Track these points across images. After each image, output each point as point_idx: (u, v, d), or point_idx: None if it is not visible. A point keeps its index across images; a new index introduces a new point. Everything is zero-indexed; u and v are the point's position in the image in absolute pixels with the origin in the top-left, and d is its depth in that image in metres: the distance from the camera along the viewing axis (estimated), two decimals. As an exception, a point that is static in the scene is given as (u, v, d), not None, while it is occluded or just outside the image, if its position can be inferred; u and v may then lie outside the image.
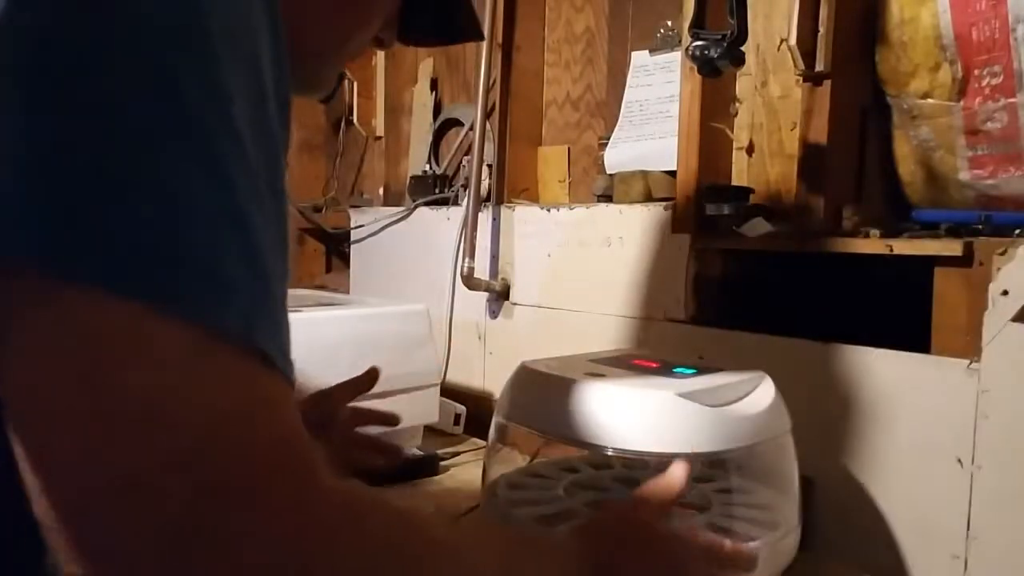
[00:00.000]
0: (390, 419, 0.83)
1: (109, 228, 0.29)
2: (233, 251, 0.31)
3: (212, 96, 0.31)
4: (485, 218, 1.40)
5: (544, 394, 0.75)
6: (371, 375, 0.80)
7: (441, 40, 0.67)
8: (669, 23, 1.20)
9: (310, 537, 0.31)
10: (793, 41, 0.89)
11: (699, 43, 0.89)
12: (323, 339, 1.07)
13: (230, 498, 0.29)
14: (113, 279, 0.29)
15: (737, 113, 1.07)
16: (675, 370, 0.79)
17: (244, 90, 0.32)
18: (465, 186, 1.47)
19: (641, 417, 0.70)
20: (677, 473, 0.62)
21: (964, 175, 0.88)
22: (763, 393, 0.76)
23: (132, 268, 0.29)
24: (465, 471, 1.13)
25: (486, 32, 1.39)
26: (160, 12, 0.30)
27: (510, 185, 1.41)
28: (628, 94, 1.25)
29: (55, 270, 0.28)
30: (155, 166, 0.29)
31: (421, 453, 1.12)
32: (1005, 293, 0.74)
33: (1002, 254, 0.75)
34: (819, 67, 0.90)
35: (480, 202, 1.41)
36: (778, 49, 1.01)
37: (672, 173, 1.10)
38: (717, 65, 0.88)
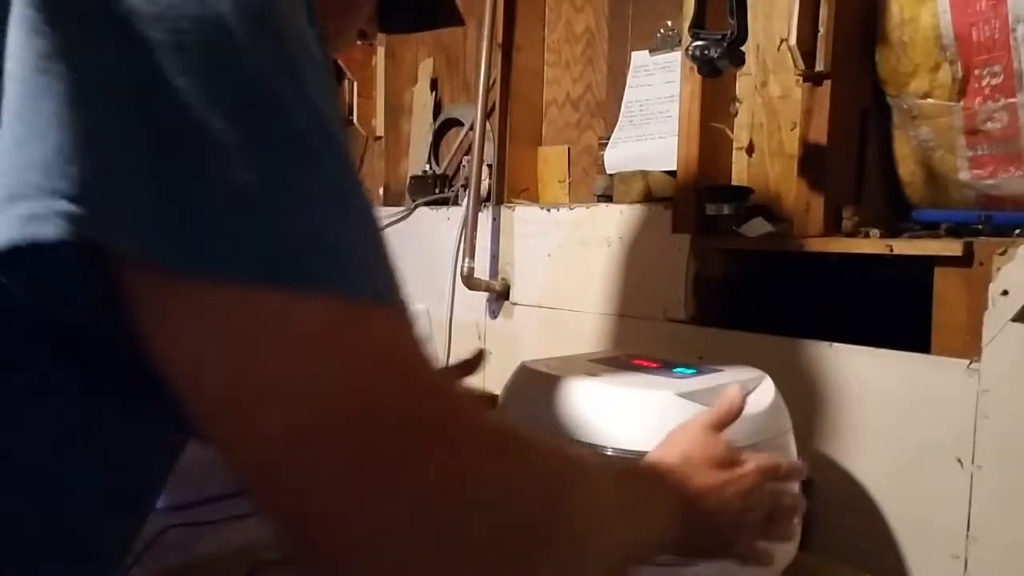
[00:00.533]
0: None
1: (247, 225, 0.32)
2: (351, 227, 0.34)
3: (311, 98, 0.34)
4: (485, 218, 1.40)
5: (544, 394, 0.75)
6: (479, 356, 0.80)
7: (420, 27, 0.69)
8: (669, 23, 1.20)
9: (467, 461, 0.35)
10: (793, 41, 0.89)
11: (699, 43, 0.89)
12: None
13: (400, 436, 0.33)
14: (264, 272, 0.32)
15: (737, 113, 1.07)
16: (675, 370, 0.79)
17: (321, 89, 0.36)
18: (465, 186, 1.47)
19: (641, 417, 0.70)
20: (734, 396, 0.64)
21: (964, 175, 0.88)
22: (763, 393, 0.76)
23: (280, 259, 0.32)
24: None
25: (486, 32, 1.39)
26: (257, 40, 0.33)
27: (510, 185, 1.40)
28: (628, 94, 1.25)
29: (215, 268, 0.31)
30: (279, 168, 0.33)
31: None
32: (1005, 293, 0.74)
33: (1002, 254, 0.75)
34: (819, 67, 0.90)
35: (480, 202, 1.41)
36: (778, 49, 1.01)
37: (672, 173, 1.10)
38: (717, 65, 0.88)
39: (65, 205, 0.29)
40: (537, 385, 0.78)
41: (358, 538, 0.33)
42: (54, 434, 0.36)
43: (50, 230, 0.28)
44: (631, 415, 0.70)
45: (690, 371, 0.79)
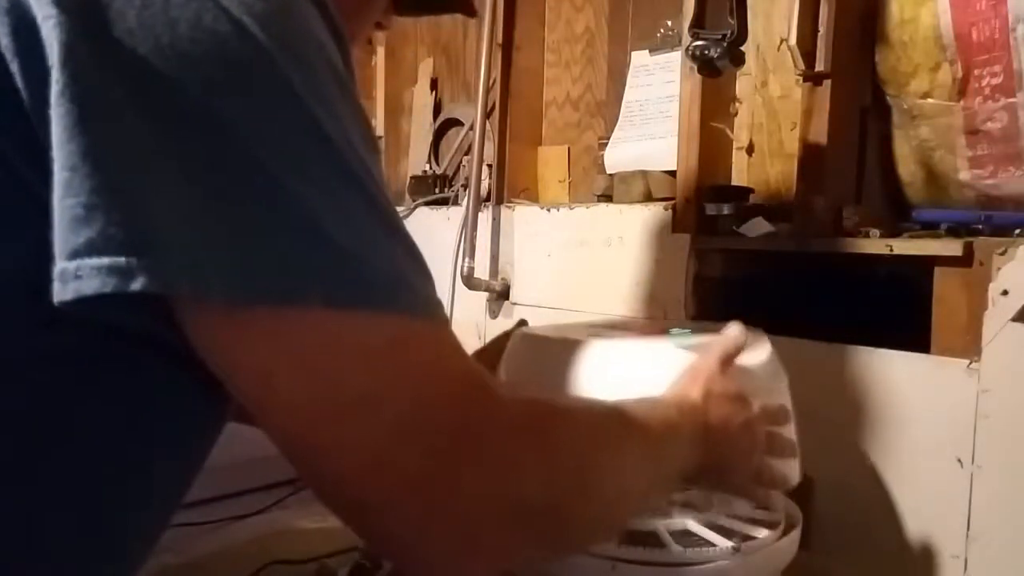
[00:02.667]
0: None
1: (319, 254, 0.36)
2: (400, 253, 0.39)
3: (348, 126, 0.38)
4: (485, 218, 1.40)
5: (545, 357, 0.74)
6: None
7: (434, 9, 0.74)
8: (669, 23, 1.20)
9: (513, 448, 0.41)
10: (793, 41, 0.89)
11: (699, 43, 0.89)
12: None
13: (458, 434, 0.38)
14: (337, 296, 0.36)
15: (737, 113, 1.07)
16: (671, 330, 0.79)
17: (354, 113, 0.40)
18: (465, 186, 1.47)
19: (642, 370, 0.69)
20: (737, 331, 0.68)
21: (964, 175, 0.88)
22: (760, 348, 0.77)
23: (351, 284, 0.36)
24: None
25: (486, 32, 1.39)
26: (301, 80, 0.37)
27: (510, 185, 1.40)
28: (628, 94, 1.25)
29: (289, 297, 0.35)
30: (336, 198, 0.37)
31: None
32: (1005, 293, 0.74)
33: (1002, 254, 0.75)
34: (819, 67, 0.90)
35: (480, 202, 1.41)
36: (778, 49, 1.01)
37: (672, 173, 1.10)
38: (717, 65, 0.88)
39: (134, 261, 0.32)
40: (537, 348, 0.77)
41: (432, 523, 0.38)
42: (128, 428, 0.40)
43: (113, 284, 0.32)
44: (633, 368, 0.70)
45: (686, 331, 0.79)
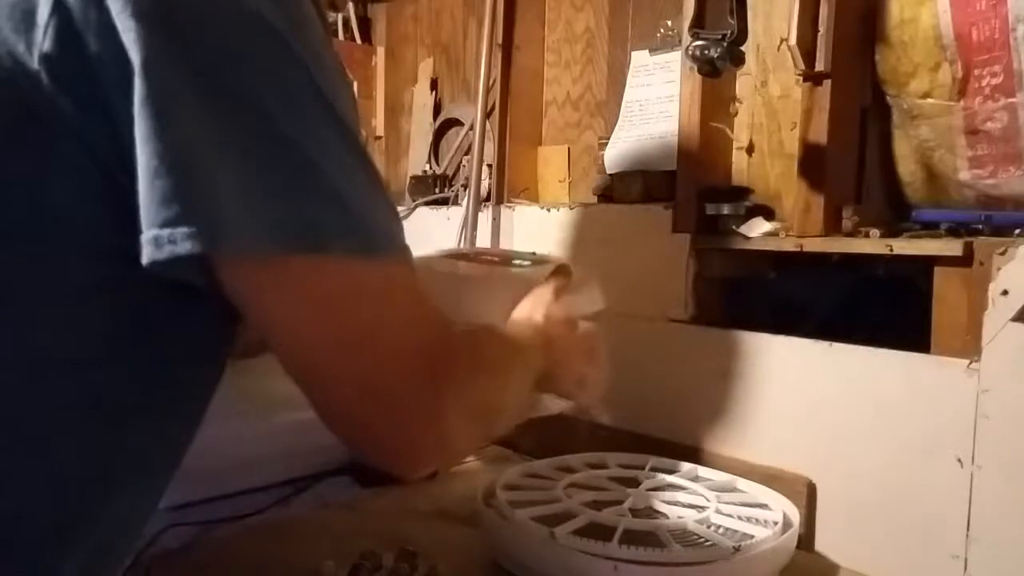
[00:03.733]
0: None
1: (336, 217, 0.45)
2: (387, 209, 0.50)
3: (352, 124, 0.48)
4: (485, 218, 1.40)
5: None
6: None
7: None
8: (669, 23, 1.20)
9: (467, 360, 0.55)
10: (793, 41, 0.89)
11: (699, 43, 0.89)
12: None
13: (432, 349, 0.50)
14: (354, 246, 0.46)
15: (737, 113, 1.07)
16: (513, 260, 0.93)
17: (343, 88, 0.50)
18: (465, 186, 1.47)
19: (489, 290, 0.87)
20: (565, 269, 0.86)
21: (964, 175, 0.88)
22: (589, 285, 0.92)
23: (363, 236, 0.46)
24: (465, 471, 1.13)
25: (486, 32, 1.39)
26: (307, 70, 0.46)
27: (510, 185, 1.41)
28: (628, 94, 1.25)
29: (308, 248, 0.44)
30: (347, 164, 0.47)
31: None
32: (1005, 293, 0.74)
33: (1002, 254, 0.75)
34: (819, 67, 0.90)
35: (480, 202, 1.41)
36: (778, 49, 1.01)
37: (672, 173, 1.10)
38: (717, 65, 0.88)
39: (210, 228, 0.42)
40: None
41: (418, 428, 0.50)
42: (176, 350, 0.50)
43: (185, 248, 0.41)
44: (483, 289, 0.86)
45: (525, 260, 0.92)
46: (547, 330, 0.76)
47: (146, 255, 0.42)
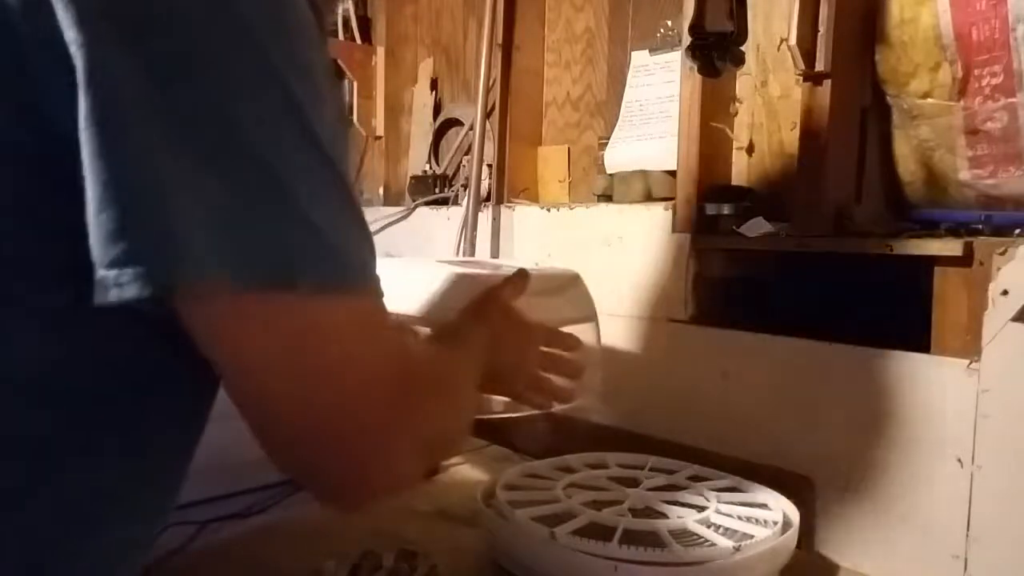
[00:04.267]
0: None
1: (308, 250, 0.41)
2: (361, 239, 0.46)
3: (328, 122, 0.43)
4: (485, 218, 1.40)
5: None
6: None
7: None
8: (669, 23, 1.20)
9: (431, 387, 0.53)
10: (793, 41, 0.89)
11: (699, 43, 0.89)
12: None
13: (402, 381, 0.48)
14: (319, 282, 0.42)
15: (737, 113, 1.07)
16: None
17: (332, 106, 0.45)
18: (465, 186, 1.47)
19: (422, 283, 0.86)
20: (523, 275, 0.81)
21: (964, 175, 0.88)
22: (578, 288, 0.94)
23: (339, 271, 0.43)
24: (465, 471, 1.13)
25: (486, 32, 1.39)
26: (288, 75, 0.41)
27: (510, 185, 1.41)
28: (628, 94, 1.25)
29: (263, 284, 0.40)
30: (322, 193, 0.42)
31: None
32: (1005, 293, 0.74)
33: (1002, 254, 0.75)
34: (819, 67, 0.90)
35: (480, 202, 1.41)
36: (778, 49, 1.01)
37: (672, 173, 1.10)
38: (717, 65, 0.89)
39: (163, 268, 0.37)
40: None
41: (376, 459, 0.47)
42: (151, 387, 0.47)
43: (132, 292, 0.37)
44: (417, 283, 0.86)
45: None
46: (495, 327, 0.72)
47: (96, 297, 0.38)
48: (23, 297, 0.41)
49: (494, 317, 0.74)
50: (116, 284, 0.37)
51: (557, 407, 0.83)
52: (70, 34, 0.37)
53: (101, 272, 0.37)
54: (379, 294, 0.47)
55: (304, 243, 0.41)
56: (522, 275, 0.81)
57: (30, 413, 0.42)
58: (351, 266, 0.44)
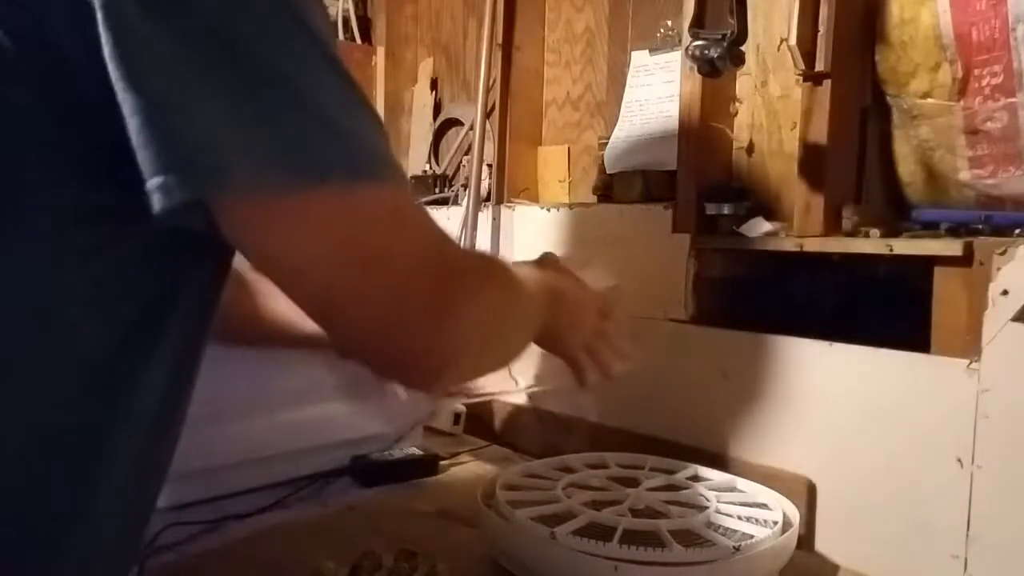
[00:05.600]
0: None
1: (334, 145, 0.44)
2: (378, 131, 0.48)
3: (330, 41, 0.46)
4: (485, 218, 1.40)
5: None
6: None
7: None
8: (669, 23, 1.20)
9: (466, 270, 0.55)
10: (793, 41, 0.89)
11: (699, 43, 0.89)
12: (323, 339, 1.07)
13: (443, 268, 0.51)
14: (361, 173, 0.45)
15: (737, 113, 1.07)
16: None
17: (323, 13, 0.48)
18: (465, 186, 1.47)
19: None
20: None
21: (964, 175, 0.88)
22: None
23: (367, 165, 0.46)
24: (465, 471, 1.13)
25: (486, 32, 1.39)
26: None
27: (510, 185, 1.40)
28: (628, 94, 1.25)
29: (308, 181, 0.43)
30: (337, 99, 0.45)
31: (421, 453, 1.12)
32: (1005, 293, 0.74)
33: (1002, 254, 0.75)
34: (819, 67, 0.90)
35: (480, 202, 1.41)
36: (778, 49, 1.01)
37: (672, 173, 1.10)
38: (717, 65, 0.88)
39: (181, 176, 0.41)
40: None
41: (434, 343, 0.50)
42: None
43: (176, 198, 0.41)
44: None
45: None
46: (556, 283, 0.72)
47: (153, 207, 0.41)
48: (48, 235, 0.44)
49: (559, 273, 0.74)
50: (163, 190, 0.41)
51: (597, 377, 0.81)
52: None
53: (150, 182, 0.41)
54: (405, 182, 0.51)
55: (329, 139, 0.44)
56: (552, 257, 0.81)
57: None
58: (376, 156, 0.46)
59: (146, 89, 0.40)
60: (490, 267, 0.61)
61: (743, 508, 0.83)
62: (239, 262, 0.52)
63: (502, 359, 0.65)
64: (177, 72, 0.41)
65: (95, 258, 0.45)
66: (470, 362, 0.56)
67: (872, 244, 0.86)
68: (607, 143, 1.26)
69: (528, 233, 1.32)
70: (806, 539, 0.88)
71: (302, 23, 0.44)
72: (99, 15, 0.40)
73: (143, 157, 0.41)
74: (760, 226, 0.98)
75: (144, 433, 0.51)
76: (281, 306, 0.86)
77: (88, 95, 0.42)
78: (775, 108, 1.03)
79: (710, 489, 0.87)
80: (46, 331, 0.45)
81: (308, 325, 0.89)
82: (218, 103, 0.41)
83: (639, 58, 1.25)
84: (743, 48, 0.89)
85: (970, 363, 0.76)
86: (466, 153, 1.53)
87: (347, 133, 0.45)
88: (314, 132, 0.43)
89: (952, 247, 0.78)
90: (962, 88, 0.85)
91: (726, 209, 1.01)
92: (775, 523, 0.79)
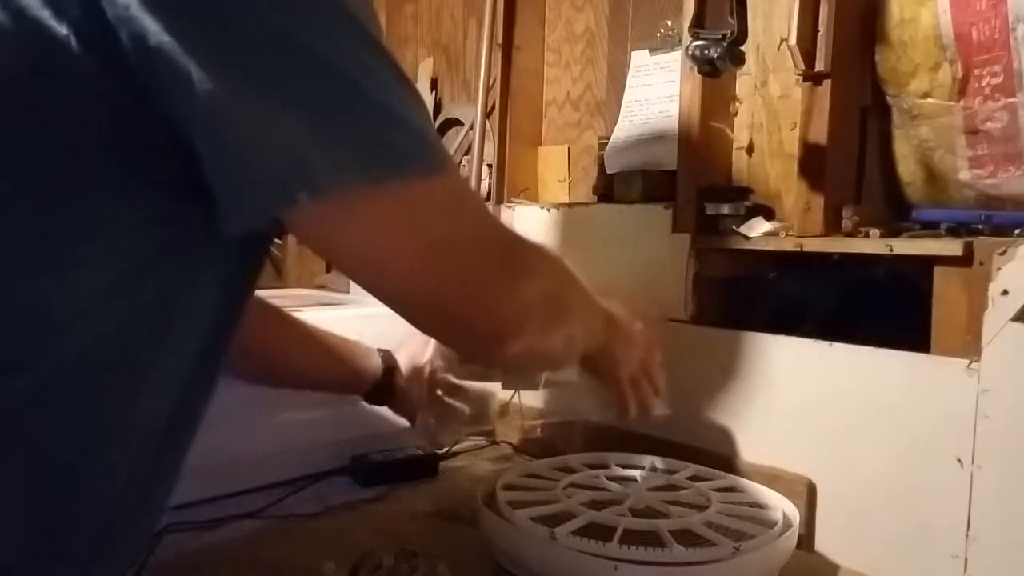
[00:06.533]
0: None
1: (404, 140, 0.47)
2: (429, 122, 0.52)
3: (379, 36, 0.47)
4: (485, 218, 1.40)
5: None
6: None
7: None
8: (669, 23, 1.20)
9: (534, 261, 0.62)
10: (793, 41, 0.89)
11: (699, 43, 0.89)
12: (323, 339, 1.07)
13: (504, 251, 0.57)
14: (427, 168, 0.48)
15: (737, 113, 1.07)
16: None
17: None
18: (465, 186, 1.47)
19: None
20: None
21: (964, 175, 0.88)
22: None
23: (432, 158, 0.49)
24: (465, 471, 1.13)
25: (486, 32, 1.39)
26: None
27: (510, 185, 1.40)
28: (628, 94, 1.25)
29: (375, 178, 0.46)
30: (394, 94, 0.46)
31: (421, 453, 1.12)
32: (1005, 293, 0.74)
33: (1002, 254, 0.75)
34: (819, 67, 0.90)
35: (480, 202, 1.40)
36: (778, 49, 1.01)
37: (672, 173, 1.10)
38: (717, 65, 0.88)
39: (288, 182, 0.43)
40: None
41: (495, 310, 0.57)
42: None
43: (262, 211, 0.45)
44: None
45: None
46: (612, 308, 0.77)
47: (230, 215, 0.44)
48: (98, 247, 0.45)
49: (611, 308, 0.78)
50: (244, 202, 0.44)
51: (638, 415, 0.87)
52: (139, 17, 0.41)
53: (227, 197, 0.44)
54: (458, 170, 0.57)
55: (397, 134, 0.46)
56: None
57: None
58: (434, 147, 0.49)
59: (229, 133, 0.42)
60: (548, 252, 0.66)
61: (743, 508, 0.83)
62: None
63: (565, 342, 0.66)
64: (256, 100, 0.42)
65: (138, 262, 0.46)
66: (535, 333, 0.60)
67: (872, 244, 0.86)
68: (607, 143, 1.26)
69: (528, 233, 1.32)
70: (806, 539, 0.88)
71: (353, 20, 0.45)
72: (167, 66, 0.41)
73: (219, 169, 0.43)
74: (760, 226, 0.98)
75: (156, 439, 0.51)
76: (306, 348, 0.93)
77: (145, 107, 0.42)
78: (775, 108, 1.03)
79: (710, 489, 0.87)
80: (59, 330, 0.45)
81: (330, 371, 0.95)
82: (288, 111, 0.42)
83: (639, 58, 1.25)
84: (743, 48, 0.89)
85: (970, 363, 0.76)
86: (466, 153, 1.53)
87: (410, 127, 0.47)
88: (384, 129, 0.45)
89: (952, 247, 0.78)
90: (962, 88, 0.85)
91: (726, 209, 1.01)
92: (775, 523, 0.79)
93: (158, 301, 0.47)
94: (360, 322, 1.09)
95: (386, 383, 0.99)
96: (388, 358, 0.99)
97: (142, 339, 0.48)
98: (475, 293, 0.54)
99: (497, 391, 1.09)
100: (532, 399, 1.18)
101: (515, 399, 1.12)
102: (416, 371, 1.00)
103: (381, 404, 1.01)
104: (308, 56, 0.43)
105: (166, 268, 0.47)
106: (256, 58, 0.42)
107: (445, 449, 1.13)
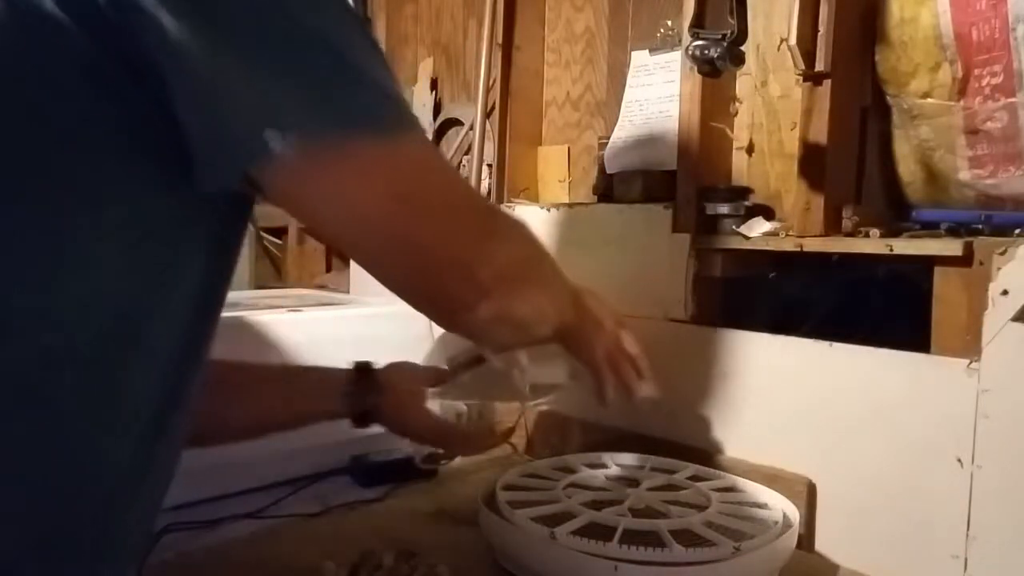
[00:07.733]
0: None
1: (390, 103, 0.50)
2: (398, 85, 0.53)
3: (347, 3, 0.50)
4: (485, 218, 1.40)
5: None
6: None
7: None
8: (669, 23, 1.20)
9: (497, 215, 0.68)
10: (793, 41, 0.89)
11: (699, 43, 0.89)
12: (323, 339, 1.07)
13: (472, 208, 0.59)
14: (390, 124, 0.50)
15: (737, 113, 1.07)
16: None
17: None
18: (465, 186, 1.47)
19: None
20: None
21: (964, 175, 0.88)
22: None
23: (404, 119, 0.52)
24: (465, 471, 1.13)
25: (486, 32, 1.39)
26: None
27: (510, 185, 1.40)
28: (628, 94, 1.25)
29: (352, 133, 0.48)
30: (366, 56, 0.49)
31: (421, 453, 1.12)
32: (1005, 293, 0.74)
33: (1002, 254, 0.75)
34: (819, 67, 0.90)
35: (480, 202, 1.40)
36: (778, 49, 1.01)
37: (672, 173, 1.10)
38: (717, 65, 0.88)
39: (261, 140, 0.44)
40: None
41: (466, 268, 0.56)
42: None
43: (257, 155, 0.45)
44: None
45: None
46: (581, 291, 0.77)
47: (206, 179, 0.46)
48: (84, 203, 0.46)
49: (579, 287, 0.78)
50: (223, 160, 0.45)
51: (620, 395, 0.84)
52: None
53: (204, 157, 0.45)
54: (425, 133, 0.58)
55: (373, 93, 0.49)
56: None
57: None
58: (406, 110, 0.52)
59: (194, 66, 0.43)
60: (520, 221, 0.67)
61: (743, 508, 0.83)
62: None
63: (534, 311, 0.66)
64: (219, 43, 0.44)
65: (126, 231, 0.47)
66: (505, 296, 0.60)
67: (872, 244, 0.86)
68: (607, 143, 1.26)
69: (528, 233, 1.32)
70: (806, 539, 0.88)
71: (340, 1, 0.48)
72: (171, 43, 0.43)
73: (199, 130, 0.44)
74: (760, 226, 0.98)
75: (148, 433, 0.51)
76: (259, 399, 0.87)
77: (132, 64, 0.44)
78: (775, 108, 1.03)
79: (710, 489, 0.87)
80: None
81: (288, 409, 0.88)
82: (262, 67, 0.44)
83: (639, 58, 1.25)
84: (743, 48, 0.89)
85: (970, 363, 0.76)
86: (466, 153, 1.53)
87: (385, 89, 0.49)
88: (355, 87, 0.47)
89: (952, 247, 0.78)
90: (962, 88, 0.85)
91: (726, 209, 1.01)
92: (775, 523, 0.79)
93: (146, 277, 0.49)
94: (360, 322, 1.09)
95: (370, 410, 0.89)
96: (361, 385, 0.89)
97: (131, 317, 0.49)
98: (446, 248, 0.55)
99: (498, 407, 1.08)
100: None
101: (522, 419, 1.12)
102: (410, 396, 0.91)
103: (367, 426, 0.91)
104: (282, 15, 0.45)
105: (155, 241, 0.49)
106: (231, 17, 0.44)
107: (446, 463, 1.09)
